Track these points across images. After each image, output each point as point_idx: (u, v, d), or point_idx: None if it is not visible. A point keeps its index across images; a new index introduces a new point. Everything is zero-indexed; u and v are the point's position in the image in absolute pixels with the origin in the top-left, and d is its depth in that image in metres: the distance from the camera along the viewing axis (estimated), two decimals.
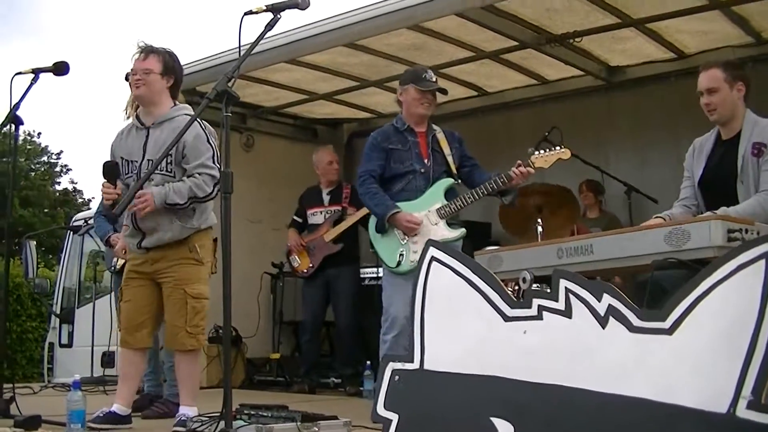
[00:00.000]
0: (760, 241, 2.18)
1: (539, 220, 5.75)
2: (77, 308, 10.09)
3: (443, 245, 2.77)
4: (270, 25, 3.33)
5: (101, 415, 4.28)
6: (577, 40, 6.68)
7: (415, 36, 6.69)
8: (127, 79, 4.58)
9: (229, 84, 3.22)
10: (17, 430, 3.73)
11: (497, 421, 2.38)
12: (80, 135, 49.45)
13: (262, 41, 3.37)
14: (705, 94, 4.03)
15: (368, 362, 6.45)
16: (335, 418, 4.01)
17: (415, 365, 2.73)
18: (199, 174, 4.24)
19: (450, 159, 5.09)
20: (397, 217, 4.94)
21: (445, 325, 2.69)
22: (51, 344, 10.62)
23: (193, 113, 4.20)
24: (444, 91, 5.23)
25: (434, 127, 5.21)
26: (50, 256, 23.37)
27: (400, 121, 5.19)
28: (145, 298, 4.42)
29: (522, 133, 7.30)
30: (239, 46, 3.34)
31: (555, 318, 2.37)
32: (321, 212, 7.32)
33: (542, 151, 4.91)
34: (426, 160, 5.06)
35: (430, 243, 2.76)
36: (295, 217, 7.50)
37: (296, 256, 7.32)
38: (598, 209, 7.22)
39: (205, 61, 6.96)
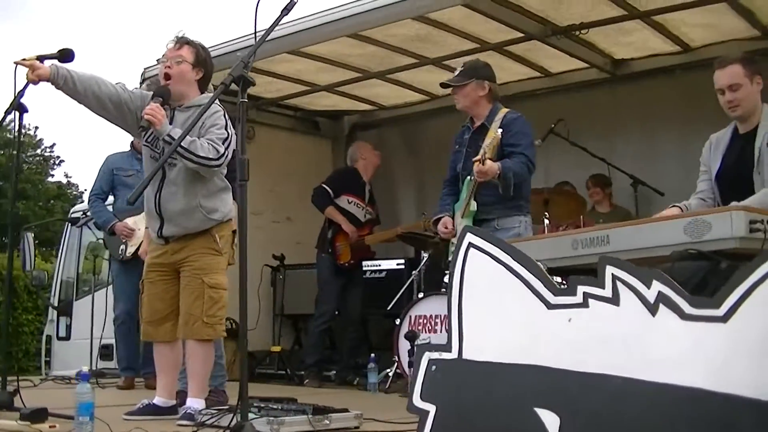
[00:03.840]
0: None
1: (546, 213, 5.70)
2: (75, 300, 10.03)
3: (481, 231, 2.69)
4: (287, 9, 3.27)
5: (141, 406, 4.30)
6: (582, 32, 6.63)
7: (419, 27, 6.62)
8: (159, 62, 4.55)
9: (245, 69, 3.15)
10: (23, 423, 3.66)
11: (541, 412, 2.32)
12: (73, 126, 48.94)
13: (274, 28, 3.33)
14: (727, 91, 3.97)
15: (372, 355, 6.41)
16: (346, 410, 3.97)
17: (454, 355, 2.65)
18: (208, 141, 4.17)
19: (482, 152, 4.79)
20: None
21: (484, 313, 2.62)
22: (48, 337, 10.55)
23: (219, 103, 4.15)
24: (445, 85, 5.23)
25: (498, 115, 5.01)
26: (45, 249, 23.26)
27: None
28: (168, 291, 4.38)
29: None
30: (255, 31, 3.28)
31: (601, 305, 2.30)
32: (361, 208, 7.27)
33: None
34: (463, 161, 5.08)
35: (467, 229, 2.68)
36: (329, 189, 7.22)
37: (341, 245, 7.18)
38: (608, 203, 7.15)
39: (213, 49, 6.68)
